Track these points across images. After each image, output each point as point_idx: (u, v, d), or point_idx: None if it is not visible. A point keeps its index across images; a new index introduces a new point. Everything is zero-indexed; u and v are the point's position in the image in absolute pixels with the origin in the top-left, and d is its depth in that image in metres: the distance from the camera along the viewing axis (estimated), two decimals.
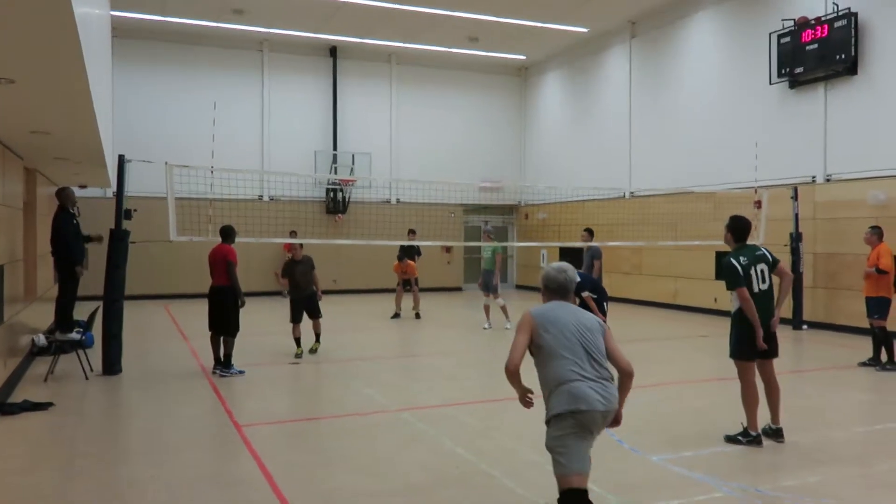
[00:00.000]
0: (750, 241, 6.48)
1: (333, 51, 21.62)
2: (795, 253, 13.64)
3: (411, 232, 16.28)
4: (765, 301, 6.21)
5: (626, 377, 4.14)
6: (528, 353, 4.15)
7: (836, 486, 5.24)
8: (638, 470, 5.65)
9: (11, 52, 4.03)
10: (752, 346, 6.17)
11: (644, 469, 5.66)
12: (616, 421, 4.19)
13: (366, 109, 22.16)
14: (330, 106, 21.74)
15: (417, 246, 15.87)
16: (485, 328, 13.55)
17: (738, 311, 6.23)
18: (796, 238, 13.70)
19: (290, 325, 10.62)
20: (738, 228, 6.40)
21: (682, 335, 13.24)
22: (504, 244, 18.35)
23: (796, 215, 13.76)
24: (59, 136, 7.28)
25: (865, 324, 12.55)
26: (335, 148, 21.53)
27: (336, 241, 18.05)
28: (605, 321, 5.98)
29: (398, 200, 21.60)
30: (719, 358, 9.94)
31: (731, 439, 6.28)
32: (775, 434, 6.32)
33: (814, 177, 14.04)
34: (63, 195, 10.04)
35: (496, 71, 23.77)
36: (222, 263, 9.24)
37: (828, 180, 13.84)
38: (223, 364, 9.21)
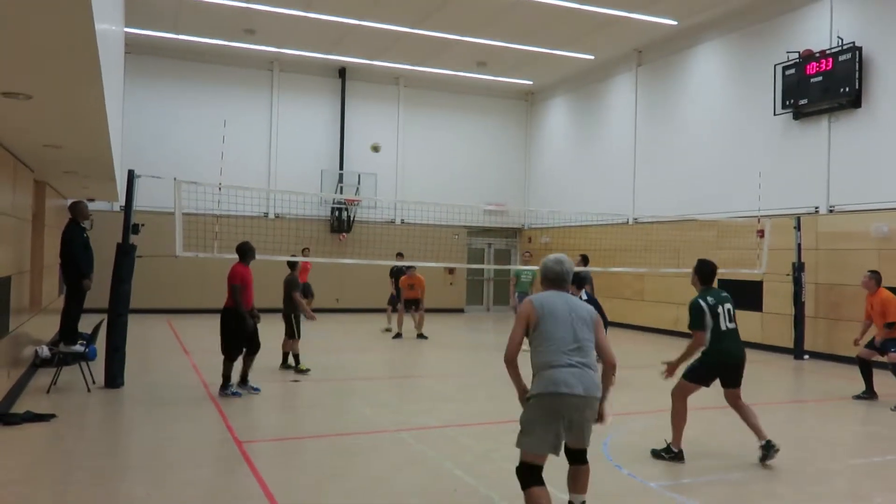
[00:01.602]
0: (754, 270, 6.79)
1: (342, 72, 21.86)
2: (798, 283, 13.67)
3: (399, 255, 16.59)
4: (732, 338, 6.56)
5: (609, 369, 4.45)
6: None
7: None
8: (636, 496, 5.66)
9: (31, 69, 4.14)
10: (708, 372, 6.56)
11: (641, 495, 5.67)
12: (600, 417, 4.47)
13: (373, 130, 22.35)
14: (337, 126, 21.94)
15: (406, 267, 15.88)
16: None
17: (709, 348, 6.50)
18: (798, 268, 13.74)
19: (292, 340, 10.75)
20: (705, 272, 6.74)
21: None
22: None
23: (799, 245, 13.81)
24: (72, 149, 7.39)
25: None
26: (341, 167, 21.70)
27: (339, 260, 18.14)
28: None
29: (402, 221, 21.69)
30: (717, 386, 9.95)
31: (655, 454, 6.58)
32: (767, 448, 6.43)
33: (817, 207, 14.11)
34: (76, 209, 10.15)
35: (503, 95, 24.00)
36: (228, 284, 8.98)
37: (831, 211, 13.91)
38: (222, 384, 8.96)
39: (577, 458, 4.57)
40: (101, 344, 9.68)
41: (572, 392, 4.18)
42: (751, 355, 9.98)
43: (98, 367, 9.43)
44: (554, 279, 4.60)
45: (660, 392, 10.14)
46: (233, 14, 17.01)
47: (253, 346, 9.06)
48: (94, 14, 3.18)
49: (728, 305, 6.58)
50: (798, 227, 13.90)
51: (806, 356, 13.71)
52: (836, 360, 13.27)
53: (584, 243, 20.05)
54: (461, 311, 22.98)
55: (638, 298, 18.87)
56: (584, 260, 13.81)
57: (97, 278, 10.63)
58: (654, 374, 10.89)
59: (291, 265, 11.06)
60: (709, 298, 6.53)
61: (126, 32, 16.22)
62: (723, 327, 6.48)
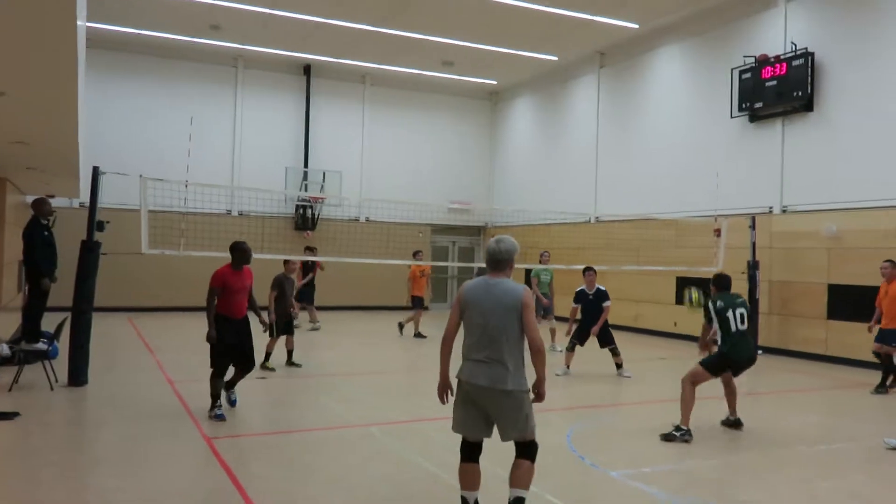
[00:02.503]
0: (710, 268, 7.44)
1: (308, 69, 21.81)
2: (752, 280, 14.12)
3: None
4: (743, 339, 7.38)
5: (533, 352, 4.43)
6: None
7: (780, 502, 5.53)
8: (598, 485, 5.88)
9: (7, 65, 4.16)
10: (722, 367, 7.36)
11: (603, 484, 5.89)
12: (539, 396, 4.57)
13: (338, 128, 22.37)
14: (302, 123, 21.89)
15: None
16: (559, 350, 13.31)
17: (722, 342, 7.39)
18: (753, 266, 14.19)
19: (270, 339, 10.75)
20: (720, 284, 7.74)
21: (641, 357, 13.56)
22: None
23: (753, 244, 14.26)
24: (39, 146, 7.34)
25: (817, 349, 13.06)
26: (306, 165, 21.66)
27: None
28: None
29: (367, 219, 21.75)
30: (676, 380, 10.26)
31: (666, 437, 7.13)
32: (735, 424, 7.62)
33: (771, 207, 14.58)
34: (38, 206, 10.00)
35: (468, 94, 24.19)
36: (249, 290, 7.85)
37: (784, 211, 14.39)
38: (232, 386, 8.09)
39: (519, 451, 4.65)
40: (64, 342, 9.59)
41: (477, 383, 4.43)
42: None
43: (61, 365, 9.34)
44: (489, 261, 4.62)
45: (619, 385, 10.48)
46: (198, 10, 16.89)
47: (244, 364, 7.80)
48: (76, 9, 3.24)
49: (740, 310, 7.38)
50: (753, 227, 14.34)
51: (760, 351, 14.14)
52: (788, 355, 13.75)
53: (546, 242, 20.34)
54: (425, 308, 23.07)
55: None
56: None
57: (61, 275, 10.52)
58: (612, 369, 11.20)
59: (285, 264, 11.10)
60: (718, 302, 7.44)
61: (88, 27, 15.99)
62: (733, 328, 7.31)
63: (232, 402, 8.07)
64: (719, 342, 7.44)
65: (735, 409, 7.73)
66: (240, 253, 7.72)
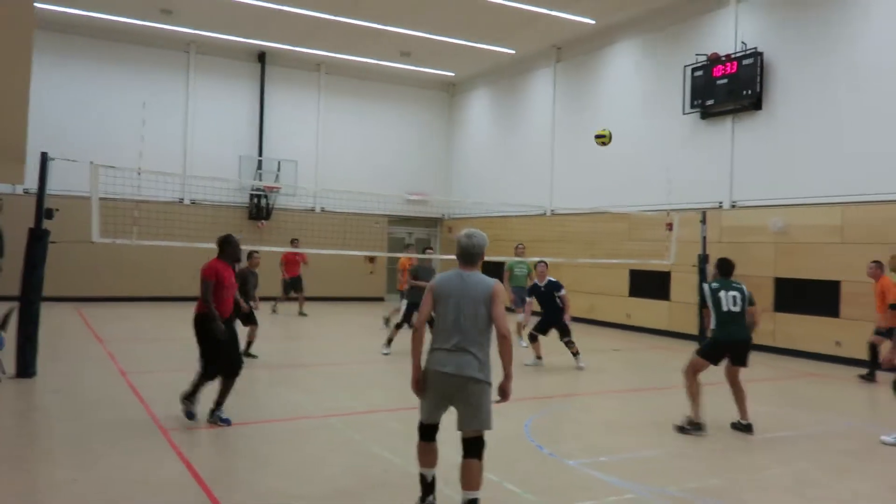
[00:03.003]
0: (661, 261, 7.59)
1: (262, 56, 21.49)
2: (702, 273, 14.46)
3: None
4: (735, 319, 7.42)
5: (500, 339, 4.54)
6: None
7: (734, 488, 5.72)
8: (555, 473, 5.99)
9: None
10: (716, 352, 7.44)
11: (561, 472, 6.00)
12: (503, 394, 4.65)
13: (293, 117, 22.10)
14: (257, 111, 21.57)
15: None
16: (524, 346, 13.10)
17: (714, 325, 7.47)
18: (703, 259, 14.54)
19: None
20: (723, 267, 7.79)
21: (596, 348, 13.79)
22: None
23: (704, 238, 14.61)
24: None
25: (765, 341, 13.47)
26: (260, 154, 21.36)
27: (258, 247, 17.88)
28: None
29: (323, 209, 21.57)
30: (631, 371, 10.53)
31: (679, 429, 7.31)
32: (746, 428, 7.41)
33: (721, 203, 14.96)
34: None
35: (425, 86, 24.15)
36: (200, 281, 7.00)
37: (733, 206, 14.78)
38: (186, 394, 7.18)
39: (468, 449, 4.66)
40: (11, 332, 9.29)
41: (444, 370, 4.55)
42: (658, 342, 10.63)
43: (8, 356, 9.06)
44: (460, 255, 4.77)
45: (576, 376, 10.65)
46: None
47: (232, 367, 7.10)
48: None
49: (734, 293, 7.44)
50: (703, 221, 14.69)
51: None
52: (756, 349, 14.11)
53: (503, 234, 20.48)
54: (381, 299, 23.07)
55: None
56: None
57: (7, 264, 10.19)
58: (567, 359, 11.38)
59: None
60: (713, 284, 7.55)
61: (36, 8, 15.45)
62: (724, 308, 7.39)
63: (225, 421, 7.10)
64: (713, 326, 7.50)
65: (746, 413, 7.49)
66: (233, 247, 7.18)
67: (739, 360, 7.48)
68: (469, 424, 4.64)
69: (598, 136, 12.36)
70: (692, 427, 7.28)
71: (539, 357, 11.26)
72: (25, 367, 8.79)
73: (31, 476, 5.57)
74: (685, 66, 15.52)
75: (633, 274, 16.82)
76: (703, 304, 7.63)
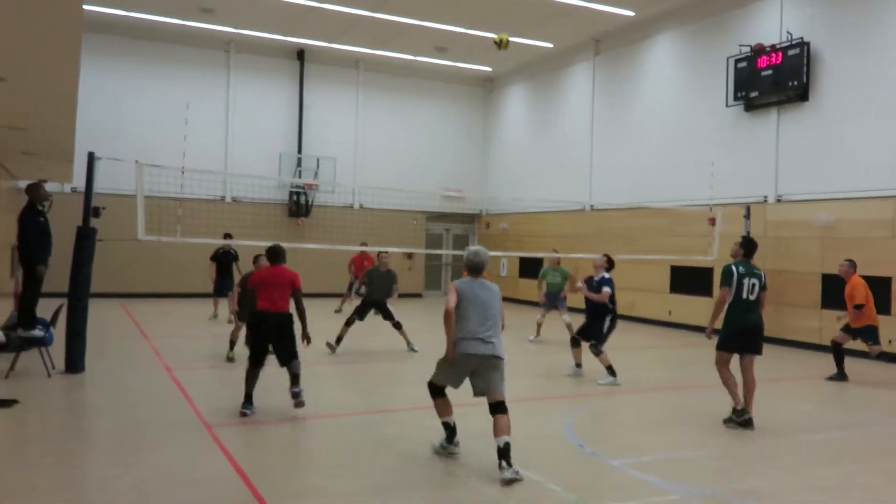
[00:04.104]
0: (705, 257, 7.43)
1: (301, 54, 21.66)
2: None
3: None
4: (751, 307, 7.42)
5: (503, 326, 6.04)
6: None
7: (781, 491, 5.59)
8: (597, 473, 5.92)
9: (8, 52, 4.10)
10: (733, 342, 7.40)
11: (603, 472, 5.93)
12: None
13: (331, 114, 22.25)
14: (296, 109, 21.76)
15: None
16: (530, 340, 13.47)
17: (726, 313, 7.43)
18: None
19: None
20: (749, 246, 7.84)
21: (637, 346, 13.63)
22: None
23: (748, 233, 14.31)
24: (35, 131, 7.26)
25: (811, 339, 13.16)
26: (300, 151, 21.55)
27: (298, 244, 18.08)
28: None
29: (361, 206, 21.70)
30: (673, 368, 10.36)
31: (727, 421, 7.38)
32: (745, 420, 7.28)
33: (765, 197, 14.64)
34: (34, 191, 9.78)
35: (462, 81, 24.09)
36: (288, 287, 7.57)
37: (778, 200, 14.44)
38: (295, 382, 7.53)
39: (497, 408, 5.75)
40: (59, 329, 9.53)
41: (476, 353, 5.78)
42: (700, 339, 10.42)
43: (56, 351, 9.29)
44: (472, 267, 6.10)
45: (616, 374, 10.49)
46: None
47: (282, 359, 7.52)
48: None
49: (754, 280, 7.42)
50: (747, 216, 14.39)
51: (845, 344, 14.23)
52: (782, 344, 13.83)
53: (540, 229, 20.40)
54: (419, 295, 23.13)
55: None
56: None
57: (55, 262, 10.43)
58: (608, 357, 11.23)
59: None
60: (740, 268, 7.45)
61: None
62: (744, 296, 7.37)
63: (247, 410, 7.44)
64: (725, 312, 7.45)
65: (750, 405, 7.39)
66: (272, 254, 7.78)
67: (753, 347, 7.44)
68: (495, 391, 5.81)
69: (496, 43, 11.51)
70: (736, 416, 7.33)
71: (579, 365, 10.27)
72: (74, 362, 9.00)
73: (79, 471, 5.69)
74: (728, 58, 15.20)
75: (674, 270, 16.56)
76: (724, 282, 7.44)
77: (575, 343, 10.31)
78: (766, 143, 14.65)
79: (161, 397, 8.03)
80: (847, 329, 10.54)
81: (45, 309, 9.97)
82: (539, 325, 13.77)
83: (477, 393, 5.89)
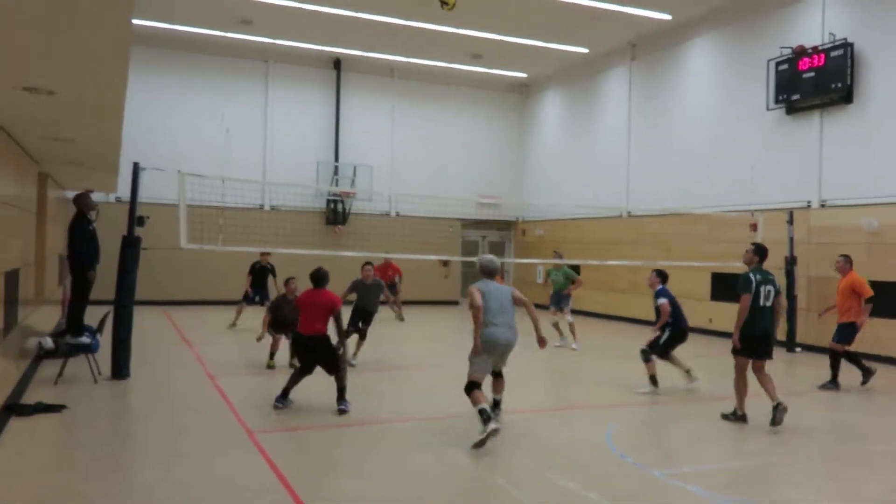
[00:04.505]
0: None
1: (337, 63, 21.89)
2: (790, 276, 13.90)
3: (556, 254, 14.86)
4: (766, 315, 7.72)
5: (526, 305, 7.18)
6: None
7: (822, 500, 5.45)
8: (639, 483, 5.84)
9: (58, 66, 4.22)
10: (748, 347, 7.68)
11: (645, 482, 5.85)
12: (541, 342, 7.22)
13: (368, 122, 22.42)
14: (333, 118, 21.99)
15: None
16: (556, 345, 13.40)
17: (746, 321, 7.64)
18: (791, 261, 13.97)
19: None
20: (763, 253, 8.07)
21: (677, 355, 13.43)
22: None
23: (791, 239, 14.04)
24: (82, 143, 7.45)
25: (857, 347, 12.81)
26: (337, 159, 21.76)
27: (335, 252, 18.24)
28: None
29: (397, 213, 21.80)
30: (714, 378, 10.19)
31: (725, 417, 7.80)
32: (776, 409, 7.43)
33: (809, 202, 14.34)
34: (82, 200, 10.11)
35: (497, 88, 24.10)
36: (327, 310, 7.94)
37: (822, 206, 14.14)
38: (342, 396, 8.01)
39: (498, 375, 7.38)
40: (105, 335, 9.75)
41: (500, 340, 6.97)
42: None
43: (103, 358, 9.50)
44: (488, 272, 7.34)
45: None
46: (230, 4, 17.02)
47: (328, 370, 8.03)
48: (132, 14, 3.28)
49: (769, 287, 7.73)
50: (790, 221, 14.11)
51: (798, 349, 13.96)
52: (827, 353, 13.48)
53: (577, 236, 20.29)
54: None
55: (631, 291, 19.08)
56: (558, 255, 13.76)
57: (101, 270, 10.69)
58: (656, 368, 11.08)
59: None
60: (757, 276, 7.75)
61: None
62: (760, 303, 7.66)
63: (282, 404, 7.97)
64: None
65: (774, 396, 7.56)
66: (316, 278, 8.19)
67: (767, 352, 7.77)
68: (501, 367, 7.35)
69: (443, 4, 11.23)
70: (734, 416, 7.73)
71: (654, 381, 9.51)
72: (119, 369, 9.20)
73: (125, 475, 5.81)
74: (768, 60, 14.95)
75: (714, 277, 16.30)
76: (743, 289, 7.66)
77: (646, 356, 9.70)
78: (809, 146, 14.36)
79: (204, 403, 8.16)
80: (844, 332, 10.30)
81: (91, 316, 10.24)
82: (557, 326, 13.79)
83: (494, 369, 7.22)
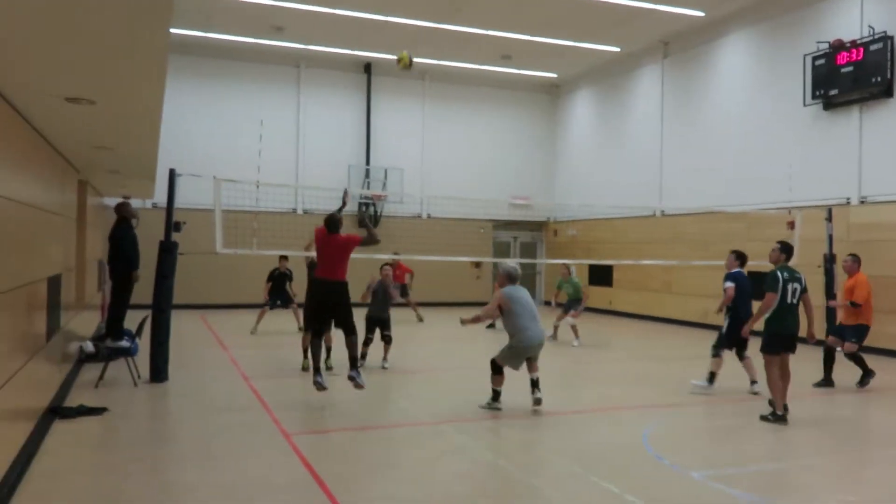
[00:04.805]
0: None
1: (368, 67, 22.02)
2: (829, 274, 13.56)
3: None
4: (792, 312, 7.85)
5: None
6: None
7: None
8: (678, 486, 5.76)
9: (100, 74, 4.31)
10: (778, 344, 7.77)
11: (685, 485, 5.77)
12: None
13: (398, 125, 22.51)
14: (364, 121, 22.13)
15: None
16: (574, 345, 13.78)
17: (770, 317, 7.81)
18: (830, 259, 13.63)
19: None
20: (789, 250, 8.32)
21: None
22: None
23: (830, 236, 13.72)
24: (121, 150, 7.61)
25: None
26: (368, 163, 21.89)
27: (368, 255, 18.29)
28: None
29: (429, 216, 21.85)
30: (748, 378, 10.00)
31: (763, 418, 7.69)
32: (779, 418, 7.59)
33: (848, 198, 14.04)
34: (126, 209, 10.49)
35: (527, 88, 24.02)
36: (346, 251, 8.05)
37: (862, 202, 13.84)
38: (353, 365, 8.09)
39: (531, 360, 8.08)
40: (144, 339, 9.92)
41: (535, 341, 7.93)
42: None
43: (142, 361, 9.67)
44: (514, 278, 8.13)
45: (689, 384, 10.22)
46: (262, 11, 17.23)
47: (339, 325, 8.04)
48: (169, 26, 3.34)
49: (796, 285, 7.87)
50: (829, 219, 13.79)
51: (838, 348, 13.64)
52: (867, 352, 13.18)
53: (610, 236, 20.14)
54: (487, 304, 23.07)
55: (665, 291, 18.87)
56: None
57: (140, 275, 10.93)
58: (681, 366, 10.97)
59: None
60: (784, 273, 7.88)
61: None
62: (788, 300, 7.80)
63: (355, 376, 8.02)
64: (767, 315, 7.79)
65: (784, 399, 7.73)
66: (329, 222, 8.32)
67: (792, 348, 7.93)
68: (536, 358, 8.15)
69: (399, 61, 11.25)
70: (773, 417, 7.62)
71: (712, 378, 9.32)
72: (158, 372, 9.35)
73: (165, 476, 5.90)
74: (804, 55, 14.68)
75: (751, 276, 16.00)
76: (771, 287, 7.78)
77: (716, 352, 9.47)
78: (848, 142, 14.06)
79: (240, 405, 8.25)
80: (838, 330, 10.18)
81: (130, 320, 10.43)
82: (574, 328, 14.06)
83: (529, 364, 8.05)
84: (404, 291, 16.80)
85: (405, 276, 17.74)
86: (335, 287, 8.00)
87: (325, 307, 8.08)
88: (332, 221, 8.27)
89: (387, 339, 11.05)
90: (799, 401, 8.67)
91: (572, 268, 14.79)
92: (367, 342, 11.01)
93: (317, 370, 8.13)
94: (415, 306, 17.82)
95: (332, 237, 8.18)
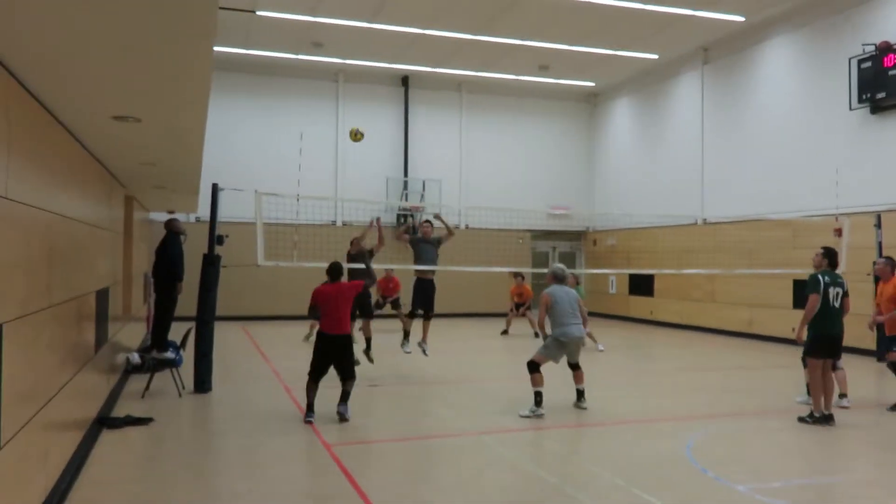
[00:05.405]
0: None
1: (405, 80, 22.20)
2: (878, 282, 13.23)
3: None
4: (834, 316, 7.99)
5: (581, 310, 8.61)
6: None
7: None
8: (723, 499, 5.65)
9: (147, 93, 4.45)
10: (821, 348, 7.92)
11: (729, 499, 5.65)
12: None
13: (436, 137, 22.63)
14: (401, 133, 22.30)
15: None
16: (600, 349, 14.15)
17: (813, 320, 7.95)
18: None
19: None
20: (832, 257, 8.35)
21: (756, 365, 12.99)
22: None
23: (880, 243, 13.39)
24: (166, 166, 7.81)
25: None
26: (406, 174, 22.03)
27: (405, 266, 18.39)
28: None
29: (467, 226, 21.85)
30: (799, 388, 9.77)
31: (801, 420, 7.93)
32: (826, 419, 7.76)
33: None
34: (174, 224, 10.94)
35: (565, 98, 23.94)
36: (350, 300, 8.26)
37: None
38: (344, 401, 8.18)
39: (575, 367, 8.69)
40: (188, 351, 10.11)
41: (573, 335, 8.37)
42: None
43: (186, 372, 9.85)
44: (560, 278, 8.64)
45: (733, 394, 10.05)
46: (301, 28, 17.51)
47: (341, 373, 8.15)
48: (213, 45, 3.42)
49: (838, 290, 7.98)
50: (878, 225, 13.47)
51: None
52: None
53: (650, 245, 19.89)
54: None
55: (708, 300, 18.56)
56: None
57: (183, 287, 11.17)
58: (724, 377, 10.76)
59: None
60: (826, 277, 8.00)
61: None
62: (830, 304, 7.91)
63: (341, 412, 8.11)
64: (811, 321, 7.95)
65: (829, 403, 7.94)
66: (331, 270, 8.51)
67: (836, 353, 8.11)
68: (576, 360, 8.67)
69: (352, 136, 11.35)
70: (811, 419, 7.78)
71: (842, 395, 8.82)
72: (201, 383, 9.52)
73: (211, 484, 6.00)
74: (850, 59, 14.36)
75: (797, 284, 15.69)
76: (812, 289, 7.92)
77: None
78: None
79: (282, 416, 8.34)
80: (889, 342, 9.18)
81: (175, 332, 10.64)
82: (590, 335, 13.78)
83: (570, 361, 8.61)
84: (396, 304, 16.69)
85: (396, 291, 17.46)
86: (342, 341, 8.16)
87: (330, 359, 8.14)
88: (336, 269, 8.44)
89: (427, 315, 11.03)
90: (858, 412, 8.46)
91: (580, 277, 14.98)
92: (412, 315, 11.27)
93: (309, 408, 8.02)
94: (403, 320, 17.54)
95: (337, 286, 8.30)
